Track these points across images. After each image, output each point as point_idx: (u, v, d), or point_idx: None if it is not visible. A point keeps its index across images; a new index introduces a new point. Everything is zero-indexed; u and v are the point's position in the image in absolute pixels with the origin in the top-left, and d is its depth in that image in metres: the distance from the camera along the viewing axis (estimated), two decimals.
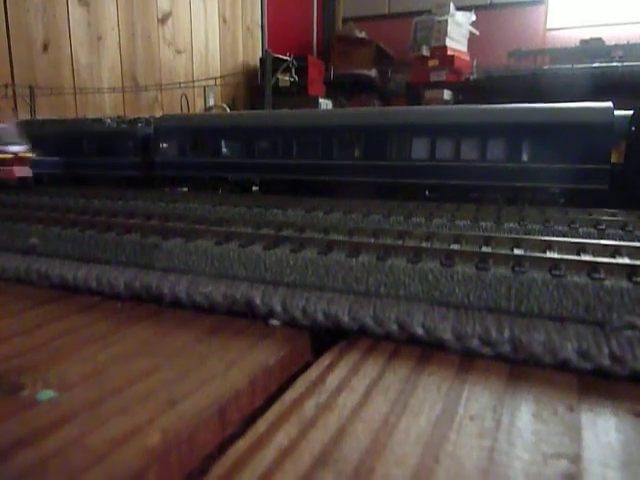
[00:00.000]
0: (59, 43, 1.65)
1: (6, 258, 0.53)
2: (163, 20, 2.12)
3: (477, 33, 2.48)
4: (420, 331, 0.35)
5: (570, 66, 2.05)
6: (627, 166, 0.79)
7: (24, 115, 1.54)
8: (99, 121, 1.25)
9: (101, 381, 0.31)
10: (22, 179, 1.02)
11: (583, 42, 2.30)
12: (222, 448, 0.25)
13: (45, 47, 1.62)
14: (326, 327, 0.38)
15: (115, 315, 0.42)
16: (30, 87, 1.61)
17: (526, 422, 0.27)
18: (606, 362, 0.31)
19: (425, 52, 2.35)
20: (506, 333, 0.33)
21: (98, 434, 0.25)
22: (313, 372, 0.32)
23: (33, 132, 1.16)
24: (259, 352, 0.34)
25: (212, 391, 0.29)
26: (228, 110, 2.02)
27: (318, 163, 0.96)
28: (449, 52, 2.33)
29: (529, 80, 2.06)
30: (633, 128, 0.78)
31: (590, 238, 0.55)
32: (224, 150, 1.05)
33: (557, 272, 0.42)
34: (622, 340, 0.31)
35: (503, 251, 0.48)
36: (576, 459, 0.24)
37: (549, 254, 0.47)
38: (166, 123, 1.13)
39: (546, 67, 2.19)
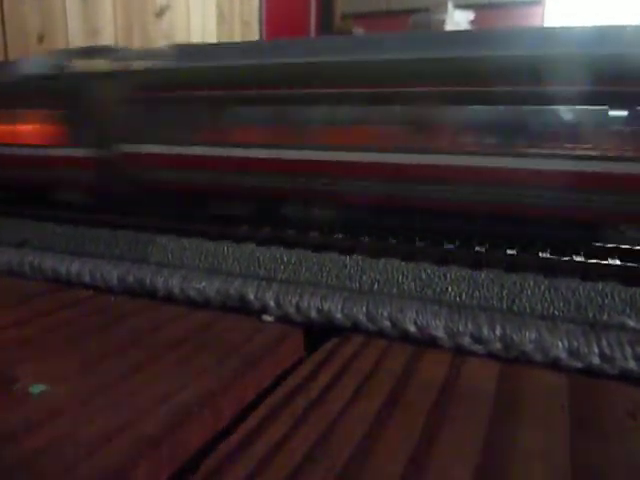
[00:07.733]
0: (55, 35, 1.64)
1: None
2: (160, 14, 2.11)
3: None
4: (412, 328, 0.35)
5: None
6: None
7: None
8: None
9: (93, 374, 0.31)
10: None
11: None
12: (213, 443, 0.25)
13: (41, 39, 1.61)
14: (319, 323, 0.38)
15: (108, 309, 0.42)
16: None
17: (516, 420, 0.27)
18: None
19: None
20: (498, 331, 0.33)
21: (90, 428, 0.25)
22: (305, 368, 0.32)
23: None
24: (252, 347, 0.35)
25: (204, 386, 0.29)
26: None
27: None
28: None
29: None
30: None
31: None
32: None
33: None
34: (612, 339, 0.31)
35: None
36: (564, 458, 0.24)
37: None
38: None
39: None
